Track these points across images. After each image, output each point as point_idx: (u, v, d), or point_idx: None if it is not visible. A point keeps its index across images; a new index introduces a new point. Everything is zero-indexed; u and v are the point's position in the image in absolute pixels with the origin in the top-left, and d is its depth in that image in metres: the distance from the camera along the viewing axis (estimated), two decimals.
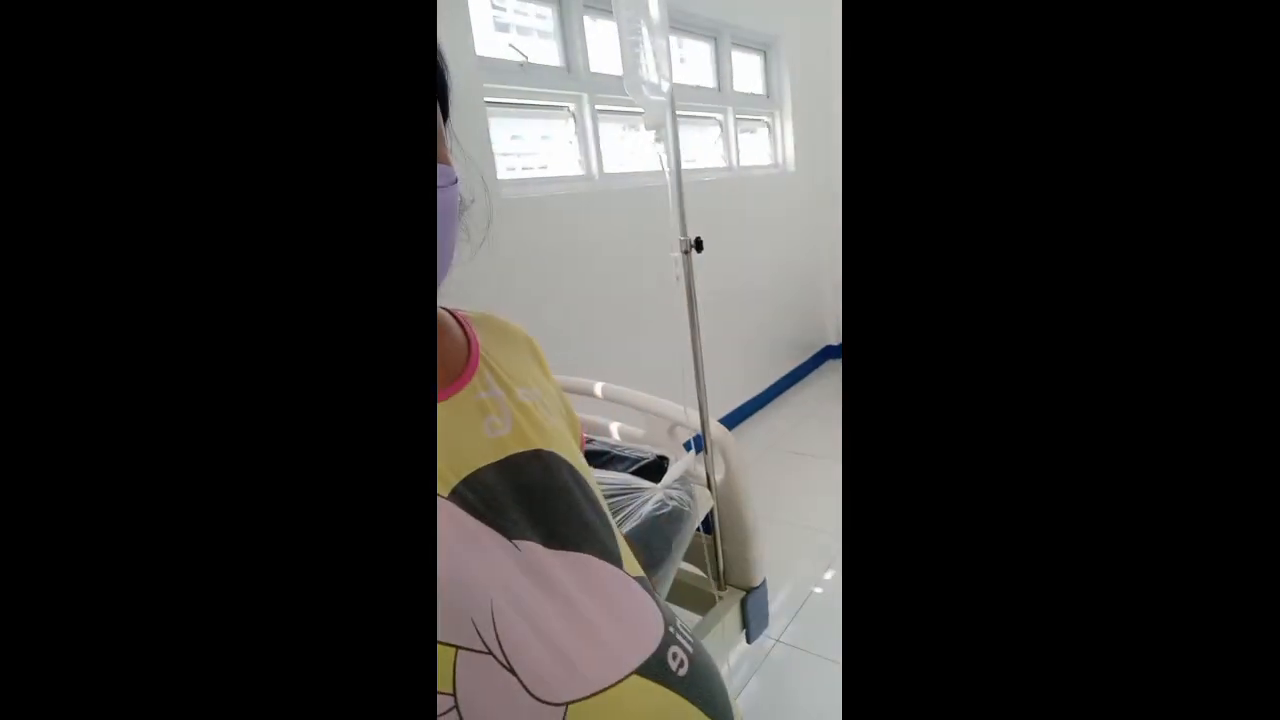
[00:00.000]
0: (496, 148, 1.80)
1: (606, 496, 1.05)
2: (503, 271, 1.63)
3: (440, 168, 0.40)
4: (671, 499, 1.14)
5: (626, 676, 0.40)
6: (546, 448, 0.47)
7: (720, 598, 1.34)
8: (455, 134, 0.46)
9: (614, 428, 1.44)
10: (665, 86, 1.08)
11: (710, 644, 1.26)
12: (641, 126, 1.15)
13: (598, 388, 1.39)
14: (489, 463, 0.43)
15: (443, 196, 0.40)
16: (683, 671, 0.43)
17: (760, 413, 3.13)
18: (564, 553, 0.43)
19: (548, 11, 2.01)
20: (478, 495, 0.41)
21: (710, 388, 1.37)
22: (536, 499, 0.44)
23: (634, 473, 1.23)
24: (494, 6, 1.88)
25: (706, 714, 0.43)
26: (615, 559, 0.46)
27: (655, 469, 1.25)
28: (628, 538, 0.51)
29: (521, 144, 2.01)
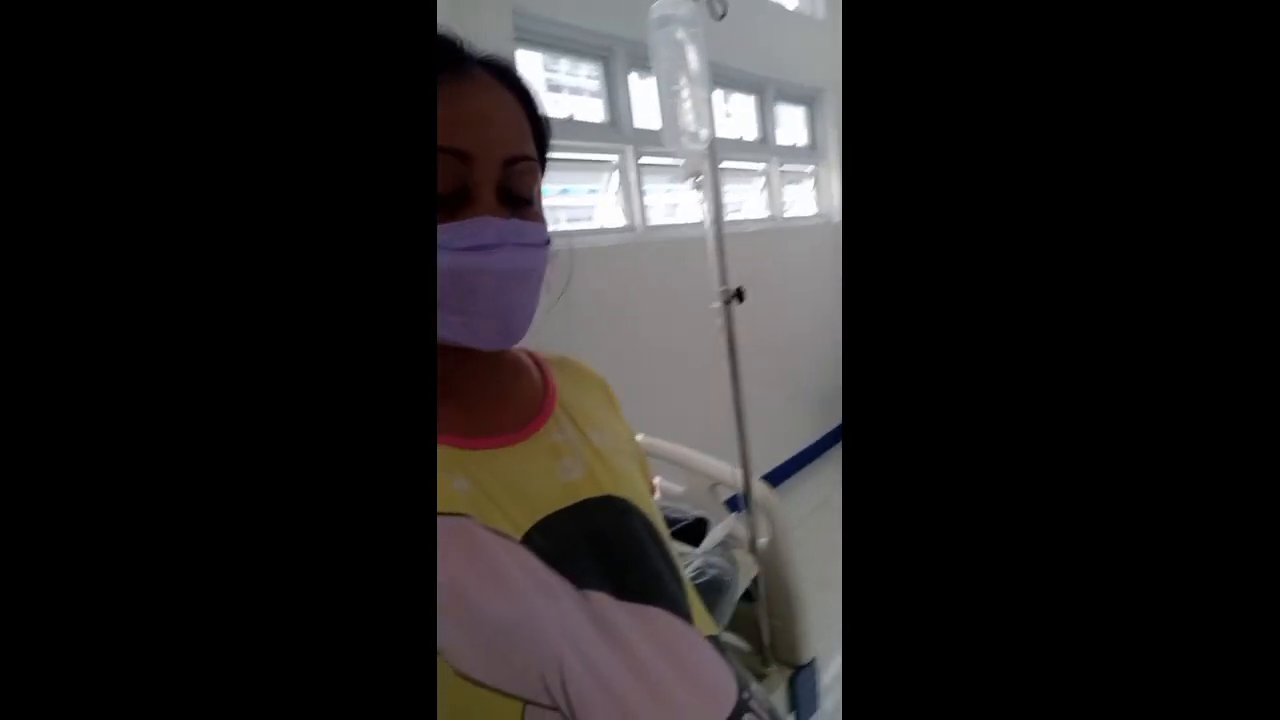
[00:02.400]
0: (547, 202, 1.83)
1: None
2: (541, 321, 1.62)
3: (536, 228, 0.42)
4: (712, 566, 1.07)
5: None
6: (619, 494, 0.46)
7: (766, 675, 1.23)
8: None
9: (654, 482, 1.38)
10: (704, 135, 1.06)
11: None
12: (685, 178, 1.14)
13: (637, 439, 1.34)
14: (561, 507, 0.42)
15: (536, 255, 0.42)
16: None
17: (807, 469, 3.00)
18: (634, 605, 0.42)
19: (595, 70, 2.07)
20: (550, 541, 0.40)
21: (754, 443, 1.30)
22: (607, 547, 0.43)
23: (673, 535, 1.16)
24: (547, 70, 1.94)
25: None
26: (686, 615, 0.44)
27: (695, 532, 1.17)
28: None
29: (570, 198, 2.05)
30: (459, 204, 0.39)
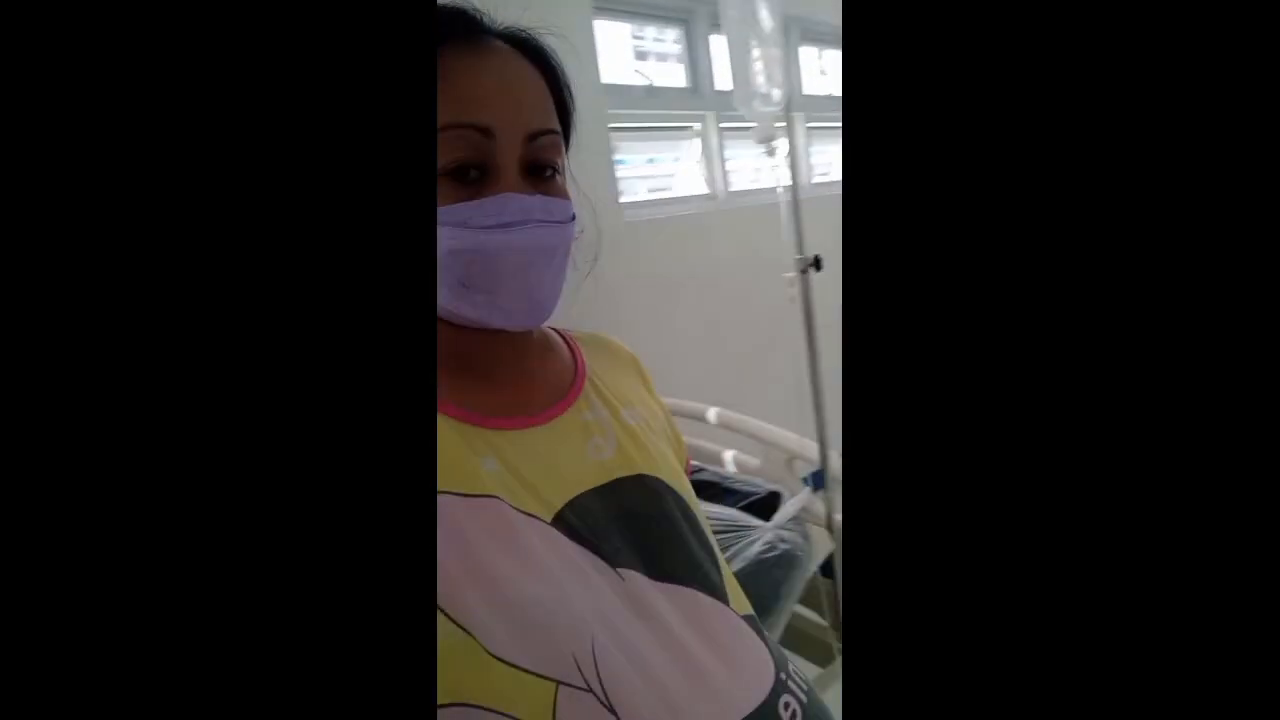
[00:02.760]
0: (631, 171, 1.83)
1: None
2: (620, 291, 1.63)
3: (561, 203, 0.41)
4: (784, 541, 1.05)
5: None
6: (651, 472, 0.45)
7: (840, 650, 1.21)
8: (574, 162, 0.47)
9: (728, 456, 1.37)
10: (776, 95, 1.01)
11: (830, 700, 1.13)
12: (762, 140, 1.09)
13: (711, 413, 1.33)
14: (592, 487, 0.42)
15: (561, 231, 0.41)
16: None
17: None
18: (668, 585, 0.41)
19: (676, 34, 2.02)
20: (581, 521, 0.40)
21: (833, 419, 1.25)
22: (639, 526, 0.42)
23: (743, 508, 1.14)
24: (634, 38, 1.92)
25: None
26: (722, 595, 0.44)
27: (767, 505, 1.16)
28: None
29: (656, 167, 2.03)
30: (481, 180, 0.39)
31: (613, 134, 1.77)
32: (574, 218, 0.43)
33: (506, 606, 0.35)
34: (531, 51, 0.42)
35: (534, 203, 0.40)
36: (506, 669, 0.35)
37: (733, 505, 1.16)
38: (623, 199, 1.85)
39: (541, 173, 0.41)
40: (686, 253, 1.94)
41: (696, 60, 2.02)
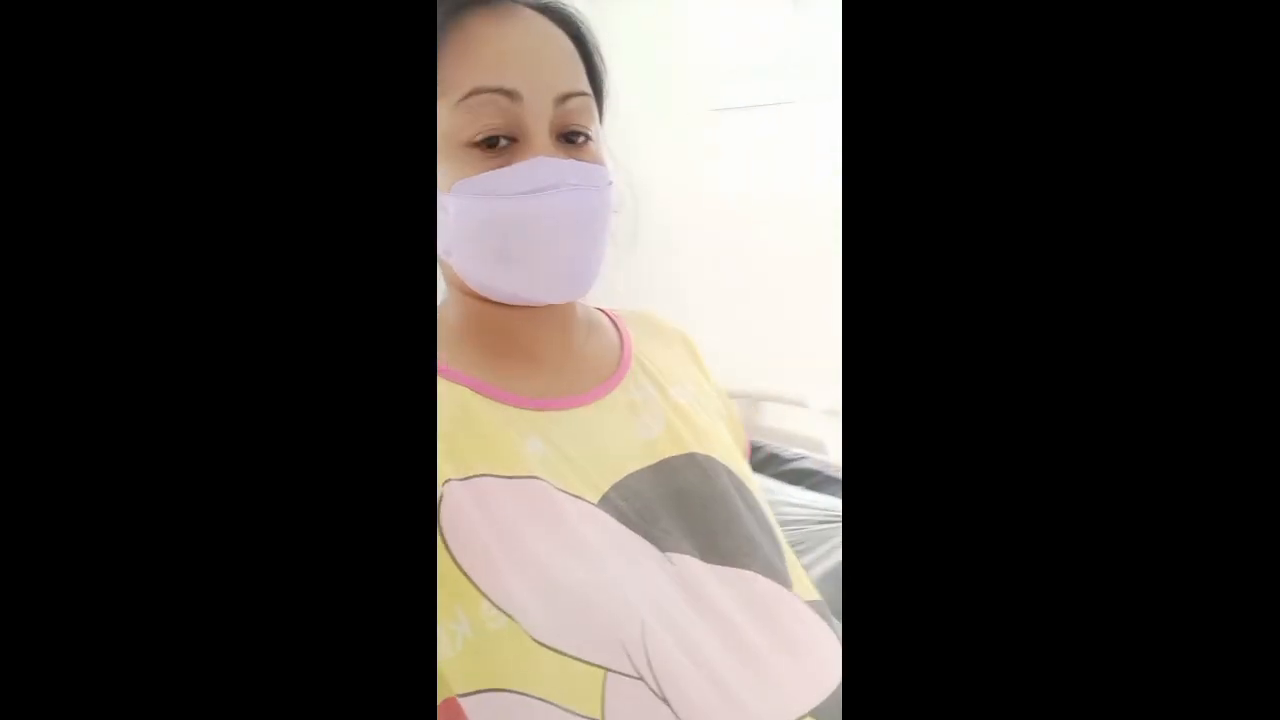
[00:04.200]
0: None
1: (806, 523, 0.95)
2: (694, 271, 1.58)
3: (596, 169, 0.40)
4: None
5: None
6: (703, 451, 0.43)
7: None
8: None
9: (832, 444, 1.31)
10: None
11: None
12: None
13: (811, 400, 1.28)
14: (641, 467, 0.41)
15: (596, 197, 0.40)
16: None
17: None
18: (723, 568, 0.39)
19: None
20: (629, 503, 0.39)
21: None
22: (693, 506, 0.41)
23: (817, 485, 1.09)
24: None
25: None
26: (784, 579, 0.41)
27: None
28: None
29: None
30: (511, 149, 0.38)
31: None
32: (611, 184, 0.41)
33: (551, 591, 0.35)
34: (556, 14, 0.41)
35: (567, 166, 0.38)
36: (552, 655, 0.34)
37: (835, 495, 1.10)
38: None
39: (574, 138, 0.40)
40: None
41: None
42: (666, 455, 0.42)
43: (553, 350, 0.44)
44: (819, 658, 0.39)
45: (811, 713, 0.36)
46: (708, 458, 0.43)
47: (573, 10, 0.42)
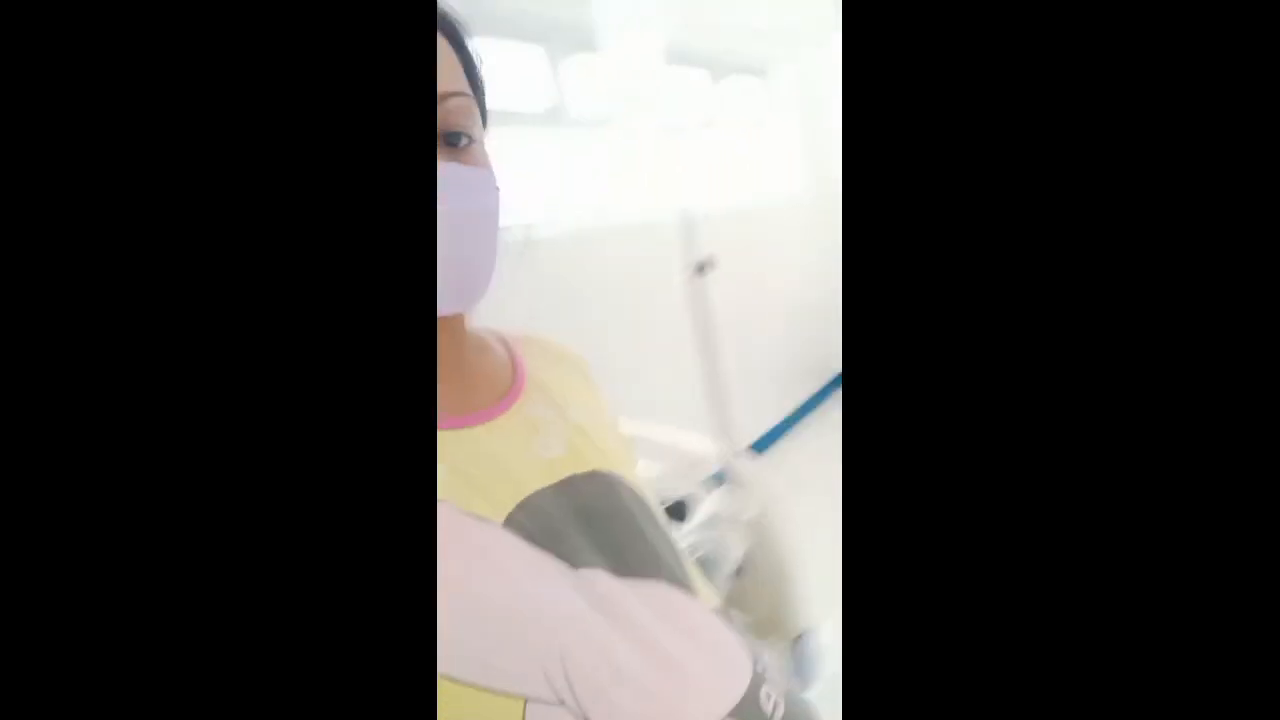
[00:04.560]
0: None
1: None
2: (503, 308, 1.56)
3: (480, 173, 0.38)
4: (703, 544, 1.05)
5: None
6: (604, 468, 0.43)
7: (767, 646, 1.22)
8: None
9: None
10: None
11: None
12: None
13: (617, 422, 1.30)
14: (545, 485, 0.40)
15: (485, 203, 0.38)
16: (779, 715, 0.39)
17: (794, 432, 3.00)
18: (635, 581, 0.39)
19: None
20: (536, 522, 0.38)
21: (740, 413, 1.27)
22: (598, 523, 0.40)
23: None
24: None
25: None
26: (689, 588, 0.42)
27: (674, 513, 1.15)
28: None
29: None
30: None
31: None
32: (498, 190, 0.39)
33: (459, 620, 0.32)
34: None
35: (448, 170, 0.35)
36: (464, 691, 0.31)
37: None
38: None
39: (456, 140, 0.37)
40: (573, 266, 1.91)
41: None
42: (569, 473, 0.42)
43: (445, 368, 0.41)
44: (729, 659, 0.41)
45: (732, 712, 0.37)
46: (611, 475, 0.43)
47: (445, 8, 0.39)
